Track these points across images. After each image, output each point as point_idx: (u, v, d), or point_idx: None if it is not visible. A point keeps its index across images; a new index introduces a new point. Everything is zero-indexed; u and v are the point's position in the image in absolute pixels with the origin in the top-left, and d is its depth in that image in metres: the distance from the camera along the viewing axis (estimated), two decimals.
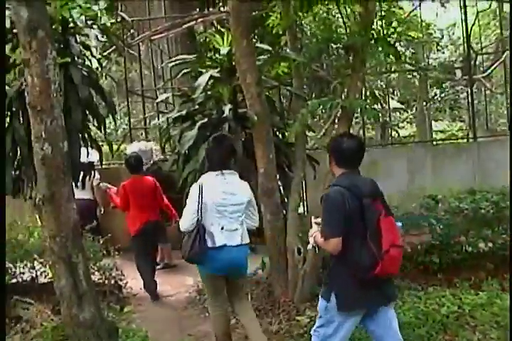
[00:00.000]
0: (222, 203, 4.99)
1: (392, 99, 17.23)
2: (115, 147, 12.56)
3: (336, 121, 6.46)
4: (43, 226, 4.84)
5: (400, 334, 4.26)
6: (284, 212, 6.57)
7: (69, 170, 4.70)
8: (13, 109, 6.92)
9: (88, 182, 9.18)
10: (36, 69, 4.39)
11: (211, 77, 6.80)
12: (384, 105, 11.35)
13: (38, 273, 7.12)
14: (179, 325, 6.52)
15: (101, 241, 7.53)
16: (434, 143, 12.65)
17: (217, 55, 7.15)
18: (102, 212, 9.79)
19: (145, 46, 12.76)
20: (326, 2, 6.39)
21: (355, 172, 4.21)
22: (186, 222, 4.96)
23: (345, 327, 4.13)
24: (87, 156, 8.18)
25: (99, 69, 7.47)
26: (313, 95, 11.48)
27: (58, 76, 4.58)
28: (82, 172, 9.14)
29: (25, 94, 4.67)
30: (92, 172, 8.92)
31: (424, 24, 12.67)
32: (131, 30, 13.37)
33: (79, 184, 9.10)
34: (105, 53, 8.09)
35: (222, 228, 4.99)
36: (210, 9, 15.26)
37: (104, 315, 5.97)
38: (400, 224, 4.15)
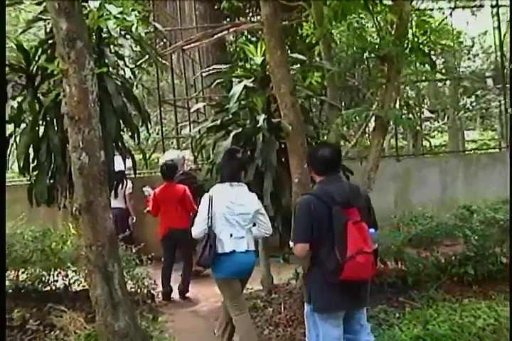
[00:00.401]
0: (230, 212, 5.36)
1: (423, 108, 17.11)
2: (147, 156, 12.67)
3: (371, 130, 6.42)
4: (80, 235, 4.86)
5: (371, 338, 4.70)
6: None
7: (106, 180, 4.72)
8: (48, 119, 6.99)
9: (120, 191, 9.26)
10: (74, 79, 4.43)
11: (245, 86, 6.80)
12: (416, 114, 11.28)
13: (71, 281, 7.17)
14: (211, 335, 6.49)
15: (134, 250, 7.56)
16: (467, 152, 12.53)
17: (251, 65, 7.13)
18: (135, 221, 9.86)
19: (176, 56, 12.82)
20: (360, 12, 6.35)
21: (334, 179, 4.40)
22: (197, 229, 5.34)
23: (329, 329, 4.36)
24: (119, 165, 8.28)
25: (133, 78, 7.50)
26: (344, 104, 11.45)
27: (96, 86, 4.61)
28: (114, 182, 9.28)
29: (64, 103, 4.71)
30: (124, 181, 9.01)
31: (454, 32, 12.61)
32: (164, 40, 13.46)
33: (112, 193, 9.24)
34: (138, 63, 8.07)
35: (230, 235, 5.35)
36: (241, 19, 15.36)
37: (138, 324, 6.00)
38: (372, 230, 4.30)
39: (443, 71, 13.60)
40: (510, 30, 5.94)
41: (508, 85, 10.63)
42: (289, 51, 9.01)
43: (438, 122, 18.86)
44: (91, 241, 4.66)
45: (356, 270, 4.11)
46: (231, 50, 17.12)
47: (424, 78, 10.38)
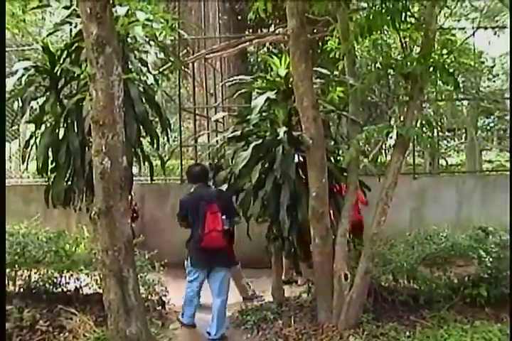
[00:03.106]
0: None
1: (441, 126, 17.04)
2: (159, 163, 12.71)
3: (392, 147, 6.41)
4: (96, 239, 4.88)
5: (224, 291, 6.89)
6: (333, 237, 6.50)
7: (126, 185, 4.73)
8: (69, 121, 7.04)
9: None
10: (101, 84, 4.46)
11: (267, 98, 6.81)
12: (435, 133, 11.27)
13: (83, 284, 7.17)
14: None
15: (147, 256, 7.56)
16: (483, 172, 12.47)
17: (273, 77, 7.15)
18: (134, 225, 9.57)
19: (198, 64, 12.87)
20: (386, 29, 6.36)
21: (203, 186, 7.00)
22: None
23: (198, 276, 7.00)
24: None
25: (156, 85, 7.54)
26: (361, 120, 11.42)
27: (122, 92, 4.64)
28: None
29: (89, 107, 4.74)
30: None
31: (476, 52, 12.56)
32: (187, 48, 13.53)
33: None
34: (161, 70, 8.12)
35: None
36: (263, 30, 15.42)
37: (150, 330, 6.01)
38: (224, 217, 6.69)
39: (462, 90, 13.56)
40: (510, 32, 5.91)
41: None
42: (315, 65, 9.06)
43: (455, 141, 18.81)
44: (107, 245, 4.67)
45: (210, 241, 6.63)
46: (252, 60, 17.20)
47: (444, 97, 10.38)
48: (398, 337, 6.04)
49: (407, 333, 6.14)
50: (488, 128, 17.28)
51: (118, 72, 4.51)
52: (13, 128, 11.88)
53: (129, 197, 9.46)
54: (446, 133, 17.59)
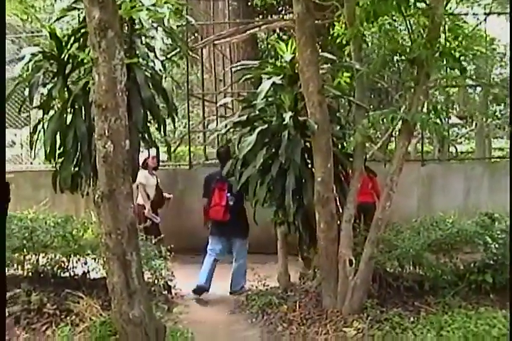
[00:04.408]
0: None
1: (451, 113, 16.91)
2: (172, 149, 12.73)
3: (397, 133, 6.39)
4: (100, 223, 4.90)
5: (239, 257, 8.03)
6: (338, 222, 6.50)
7: (129, 169, 4.75)
8: (76, 106, 7.05)
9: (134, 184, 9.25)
10: (104, 68, 4.46)
11: (273, 83, 6.80)
12: (443, 119, 11.20)
13: (90, 268, 7.22)
14: (225, 329, 6.54)
15: (153, 241, 7.60)
16: (493, 160, 12.39)
17: (280, 62, 7.13)
18: (147, 210, 9.64)
19: (207, 50, 12.85)
20: (392, 13, 6.32)
21: (220, 170, 7.79)
22: None
23: (217, 244, 8.08)
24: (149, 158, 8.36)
25: (163, 71, 7.53)
26: (372, 106, 11.39)
27: (125, 76, 4.64)
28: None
29: (92, 92, 4.75)
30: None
31: (488, 39, 12.42)
32: (195, 34, 13.50)
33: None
34: (168, 56, 8.11)
35: None
36: (273, 16, 15.36)
37: (153, 313, 6.05)
38: (229, 194, 7.72)
39: (474, 77, 13.44)
40: (510, 31, 5.86)
41: None
42: (320, 50, 9.01)
43: (466, 128, 18.66)
44: (111, 228, 4.70)
45: (214, 213, 7.86)
46: (262, 47, 17.13)
47: (454, 83, 10.30)
48: (402, 322, 6.04)
49: (411, 319, 6.15)
50: (499, 115, 17.10)
51: (120, 56, 4.51)
52: (24, 115, 11.90)
53: (156, 182, 9.62)
54: (457, 121, 17.44)
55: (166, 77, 8.05)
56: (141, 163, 8.73)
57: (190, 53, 10.72)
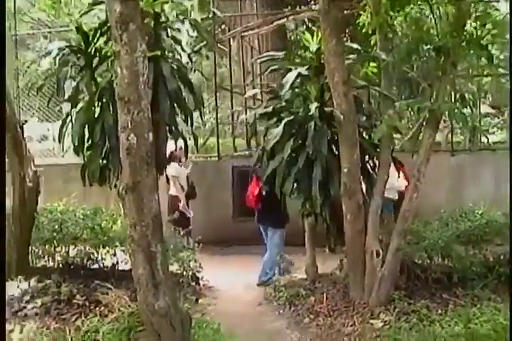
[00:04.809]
0: None
1: (484, 103, 16.62)
2: (202, 141, 12.79)
3: (424, 123, 6.31)
4: (125, 215, 4.93)
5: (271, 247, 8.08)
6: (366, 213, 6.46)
7: (153, 161, 4.76)
8: (104, 100, 7.09)
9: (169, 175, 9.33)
10: (126, 61, 4.47)
11: (299, 74, 6.76)
12: (474, 110, 11.03)
13: (119, 260, 7.28)
14: (252, 320, 6.56)
15: (182, 233, 7.66)
16: None
17: (306, 53, 7.10)
18: (182, 205, 9.73)
19: (236, 42, 12.83)
20: (418, 2, 6.25)
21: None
22: None
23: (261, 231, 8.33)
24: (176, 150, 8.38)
25: (189, 63, 7.53)
26: (403, 97, 11.24)
27: (147, 69, 4.63)
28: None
29: (114, 85, 4.77)
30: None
31: None
32: (223, 26, 13.49)
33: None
34: (196, 48, 8.11)
35: None
36: (302, 7, 15.25)
37: (180, 305, 6.08)
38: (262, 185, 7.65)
39: (503, 65, 13.17)
40: (510, 29, 5.75)
41: None
42: (348, 41, 8.94)
43: (498, 118, 18.33)
44: (135, 220, 4.71)
45: (248, 201, 8.31)
46: (292, 38, 17.05)
47: (484, 73, 10.14)
48: (430, 314, 6.00)
49: (439, 311, 6.10)
50: None
51: (142, 49, 4.50)
52: (56, 109, 12.03)
53: (187, 173, 9.67)
54: (490, 110, 17.15)
55: (194, 70, 8.04)
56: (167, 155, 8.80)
57: (218, 45, 10.72)
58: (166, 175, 9.38)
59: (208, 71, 12.83)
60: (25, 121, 8.57)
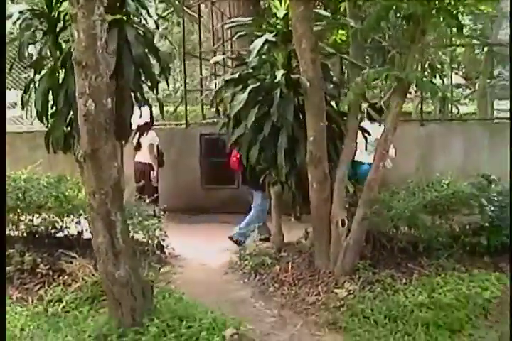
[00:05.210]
0: None
1: (457, 74, 16.64)
2: (172, 109, 12.66)
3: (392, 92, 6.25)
4: (84, 183, 4.84)
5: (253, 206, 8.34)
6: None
7: (112, 128, 4.64)
8: (68, 65, 6.91)
9: (143, 143, 9.24)
10: (83, 24, 4.31)
11: (267, 41, 6.64)
12: (446, 80, 10.98)
13: (84, 228, 7.19)
14: (217, 289, 6.53)
15: (147, 201, 7.58)
16: (495, 121, 12.17)
17: (275, 19, 6.97)
18: (155, 174, 9.68)
19: (206, 8, 12.62)
20: None
21: None
22: None
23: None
24: (145, 117, 8.25)
25: (156, 29, 7.37)
26: (377, 66, 11.18)
27: (105, 32, 4.47)
28: (137, 134, 9.26)
29: (69, 49, 4.63)
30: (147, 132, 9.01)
31: None
32: None
33: (135, 145, 9.23)
34: (165, 14, 7.94)
35: None
36: None
37: (143, 273, 6.05)
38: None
39: (479, 37, 13.16)
40: (510, 29, 5.68)
41: None
42: (321, 8, 8.82)
43: (470, 89, 18.36)
44: (94, 188, 4.61)
45: (232, 164, 8.27)
46: (266, 5, 16.78)
47: (458, 43, 10.10)
48: (394, 284, 6.02)
49: (404, 280, 6.13)
50: (503, 76, 16.81)
51: (100, 11, 4.33)
52: (26, 75, 11.78)
53: (156, 142, 9.55)
54: (462, 81, 17.20)
55: (163, 37, 7.89)
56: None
57: (188, 12, 10.52)
58: (138, 142, 9.31)
59: (180, 38, 12.65)
60: None
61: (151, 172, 9.61)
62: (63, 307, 5.78)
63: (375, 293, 5.85)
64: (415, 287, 5.92)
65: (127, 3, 6.86)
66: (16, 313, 5.58)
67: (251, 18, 7.29)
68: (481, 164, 9.39)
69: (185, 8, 10.87)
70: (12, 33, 7.18)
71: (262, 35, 6.79)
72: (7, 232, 7.29)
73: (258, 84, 6.65)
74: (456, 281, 5.97)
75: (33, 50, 7.13)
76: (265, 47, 6.73)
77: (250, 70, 6.90)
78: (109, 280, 4.83)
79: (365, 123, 7.68)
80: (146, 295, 5.05)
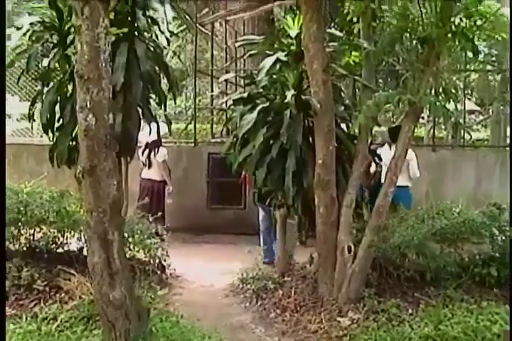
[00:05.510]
0: None
1: (469, 99, 16.49)
2: (183, 126, 12.56)
3: (404, 116, 6.10)
4: (81, 200, 4.70)
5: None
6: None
7: (113, 144, 4.51)
8: (75, 78, 6.82)
9: (154, 160, 9.13)
10: (86, 36, 4.21)
11: (278, 60, 6.52)
12: (459, 105, 10.85)
13: (84, 245, 7.05)
14: (217, 312, 6.38)
15: (150, 219, 7.45)
16: (507, 148, 11.99)
17: (286, 39, 6.86)
18: (170, 191, 9.59)
19: (220, 26, 12.58)
20: None
21: None
22: None
23: None
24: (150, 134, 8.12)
25: (168, 46, 7.28)
26: (390, 90, 11.06)
27: (109, 45, 4.37)
28: (147, 151, 9.16)
29: (74, 61, 4.53)
30: (157, 149, 8.90)
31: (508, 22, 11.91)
32: (206, 9, 13.14)
33: (145, 162, 9.13)
34: (176, 30, 7.86)
35: None
36: None
37: (142, 294, 5.92)
38: None
39: (494, 63, 13.00)
40: (510, 29, 5.57)
41: None
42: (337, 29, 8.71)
43: (483, 116, 18.21)
44: (92, 206, 4.48)
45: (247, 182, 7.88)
46: (281, 26, 16.75)
47: (472, 68, 10.00)
48: (400, 314, 5.82)
49: (410, 310, 5.93)
50: None
51: (105, 24, 4.24)
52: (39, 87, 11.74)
53: (165, 158, 9.42)
54: (476, 108, 17.05)
55: (176, 54, 7.80)
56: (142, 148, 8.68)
57: (202, 29, 10.46)
58: (149, 159, 9.21)
59: (191, 55, 12.58)
60: None
61: (166, 188, 9.53)
62: (57, 325, 5.59)
63: (380, 323, 5.66)
64: (421, 318, 5.69)
65: (137, 17, 6.78)
66: (7, 331, 5.42)
67: (262, 37, 7.17)
68: (492, 191, 9.22)
69: (198, 25, 10.79)
70: (20, 46, 7.07)
71: (273, 54, 6.67)
72: (6, 245, 7.19)
73: (267, 104, 6.53)
74: (464, 313, 5.70)
75: (42, 62, 7.08)
76: (276, 66, 6.59)
77: (260, 90, 6.77)
78: (104, 301, 4.69)
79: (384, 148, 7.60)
80: (142, 317, 4.92)
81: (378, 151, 8.12)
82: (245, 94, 6.81)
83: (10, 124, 13.33)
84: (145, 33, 7.08)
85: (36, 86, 11.65)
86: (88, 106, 4.30)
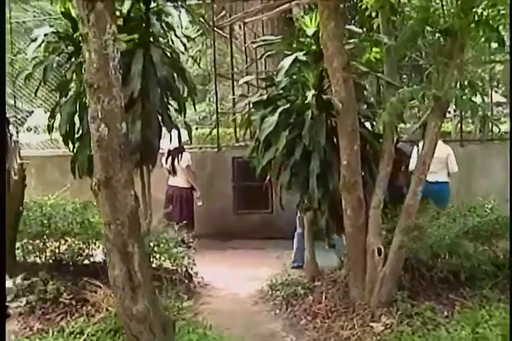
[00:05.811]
0: None
1: (496, 92, 16.14)
2: (207, 131, 12.46)
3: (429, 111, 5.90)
4: (99, 212, 4.59)
5: None
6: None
7: (127, 154, 4.39)
8: None
9: (178, 166, 9.01)
10: (94, 44, 4.08)
11: (297, 60, 6.37)
12: (486, 98, 10.57)
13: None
14: (246, 321, 6.22)
15: (177, 227, 7.34)
16: None
17: (304, 38, 6.70)
18: (198, 195, 9.54)
19: (238, 29, 12.44)
20: None
21: None
22: None
23: None
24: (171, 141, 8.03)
25: (185, 50, 7.18)
26: (414, 85, 10.83)
27: (118, 52, 4.24)
28: (170, 158, 9.05)
29: (82, 70, 4.42)
30: (180, 155, 8.77)
31: None
32: (223, 12, 13.02)
33: (169, 169, 9.02)
34: (194, 35, 7.77)
35: None
36: None
37: (169, 304, 5.81)
38: None
39: None
40: (510, 28, 5.35)
41: None
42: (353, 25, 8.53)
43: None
44: (109, 218, 4.36)
45: None
46: (300, 26, 16.58)
47: (497, 59, 9.75)
48: (435, 317, 5.62)
49: (445, 313, 5.74)
50: None
51: (112, 30, 4.10)
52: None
53: (188, 163, 9.32)
54: (502, 99, 16.66)
55: (194, 59, 7.70)
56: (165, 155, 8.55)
57: (220, 32, 10.35)
58: (173, 167, 9.09)
59: (216, 59, 12.47)
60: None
61: (194, 193, 9.52)
62: (84, 340, 5.50)
63: (414, 327, 5.46)
64: (457, 321, 5.49)
65: (152, 23, 6.69)
66: None
67: (280, 37, 7.02)
68: None
69: (216, 29, 10.69)
70: (36, 57, 7.03)
71: (291, 54, 6.52)
72: (32, 259, 7.14)
73: (288, 105, 6.38)
74: (502, 314, 5.47)
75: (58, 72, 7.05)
76: (295, 66, 6.45)
77: (280, 91, 6.62)
78: (127, 315, 4.58)
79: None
80: (167, 331, 4.79)
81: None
82: (264, 97, 6.66)
83: (35, 137, 13.39)
84: (160, 39, 7.02)
85: (36, 95, 11.69)
86: (100, 116, 4.19)
